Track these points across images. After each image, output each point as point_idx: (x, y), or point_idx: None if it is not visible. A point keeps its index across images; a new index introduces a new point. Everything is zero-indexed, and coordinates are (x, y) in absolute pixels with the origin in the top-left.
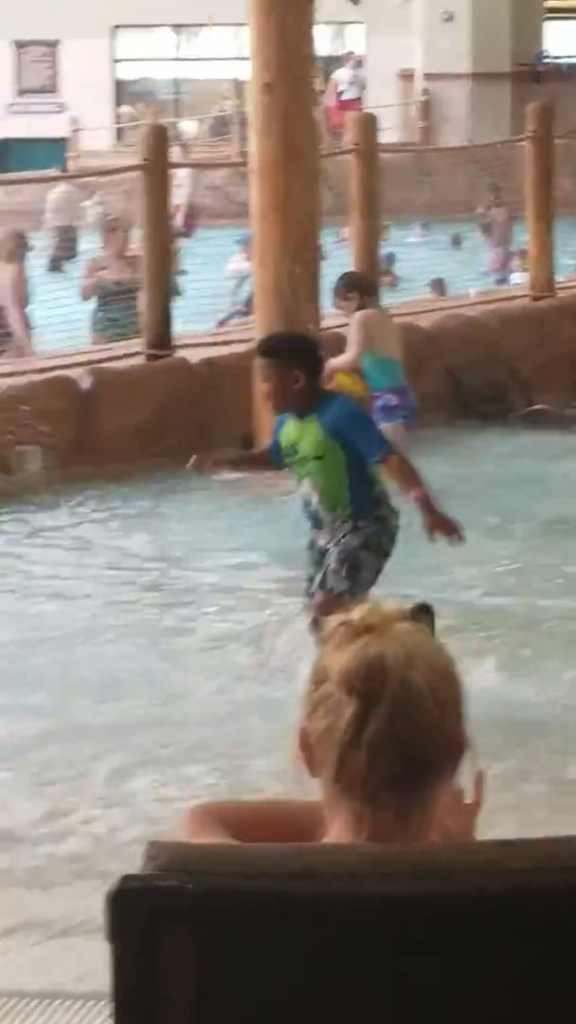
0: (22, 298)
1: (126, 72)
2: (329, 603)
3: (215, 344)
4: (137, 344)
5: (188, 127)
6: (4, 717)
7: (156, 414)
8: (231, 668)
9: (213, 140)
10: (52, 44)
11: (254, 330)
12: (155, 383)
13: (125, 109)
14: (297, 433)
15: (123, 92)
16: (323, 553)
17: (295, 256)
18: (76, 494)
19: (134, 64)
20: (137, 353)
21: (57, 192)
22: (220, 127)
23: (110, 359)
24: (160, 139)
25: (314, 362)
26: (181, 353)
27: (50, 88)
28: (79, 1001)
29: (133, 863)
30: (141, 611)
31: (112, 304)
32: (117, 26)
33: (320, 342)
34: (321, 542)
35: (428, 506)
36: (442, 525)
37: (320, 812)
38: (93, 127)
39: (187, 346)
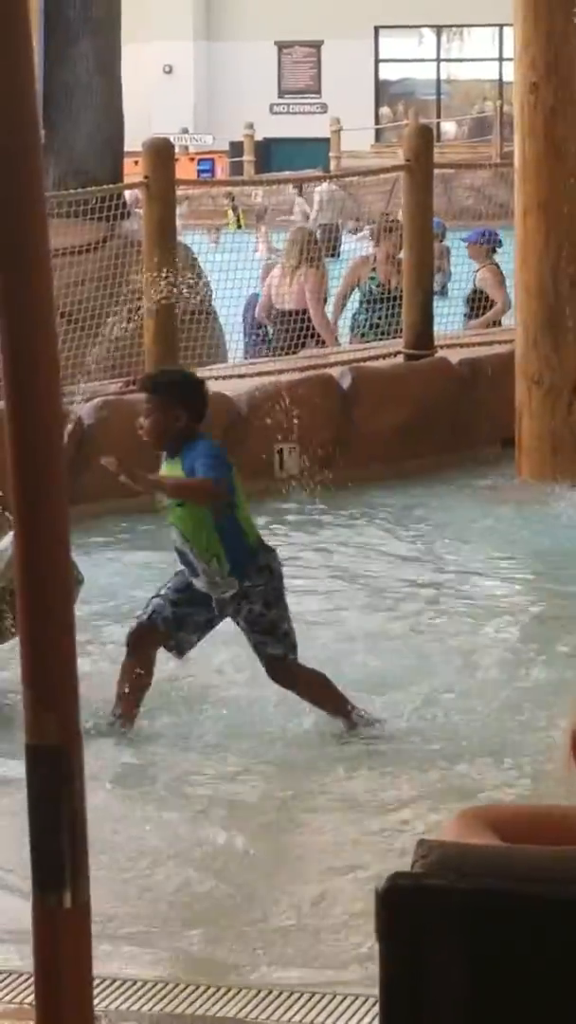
0: (323, 299)
1: (388, 72)
2: (282, 671)
3: (478, 344)
4: (398, 344)
5: (448, 128)
6: None
7: (415, 414)
8: None
9: (473, 141)
10: (315, 45)
11: (516, 331)
12: (415, 383)
13: (383, 110)
14: (166, 474)
15: (384, 92)
16: (207, 598)
17: (557, 255)
18: (335, 494)
19: (395, 64)
20: (398, 352)
21: (321, 191)
22: (480, 128)
23: (370, 358)
24: (424, 140)
25: (198, 403)
26: (442, 353)
27: (313, 89)
28: None
29: None
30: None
31: (376, 308)
32: (379, 27)
33: (204, 384)
34: (200, 586)
35: (155, 480)
36: (132, 476)
37: None
38: (354, 127)
39: (449, 346)
